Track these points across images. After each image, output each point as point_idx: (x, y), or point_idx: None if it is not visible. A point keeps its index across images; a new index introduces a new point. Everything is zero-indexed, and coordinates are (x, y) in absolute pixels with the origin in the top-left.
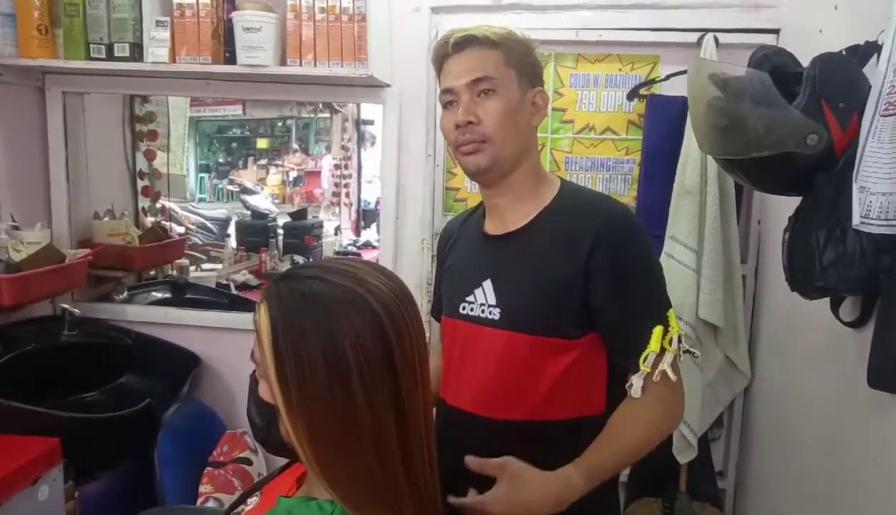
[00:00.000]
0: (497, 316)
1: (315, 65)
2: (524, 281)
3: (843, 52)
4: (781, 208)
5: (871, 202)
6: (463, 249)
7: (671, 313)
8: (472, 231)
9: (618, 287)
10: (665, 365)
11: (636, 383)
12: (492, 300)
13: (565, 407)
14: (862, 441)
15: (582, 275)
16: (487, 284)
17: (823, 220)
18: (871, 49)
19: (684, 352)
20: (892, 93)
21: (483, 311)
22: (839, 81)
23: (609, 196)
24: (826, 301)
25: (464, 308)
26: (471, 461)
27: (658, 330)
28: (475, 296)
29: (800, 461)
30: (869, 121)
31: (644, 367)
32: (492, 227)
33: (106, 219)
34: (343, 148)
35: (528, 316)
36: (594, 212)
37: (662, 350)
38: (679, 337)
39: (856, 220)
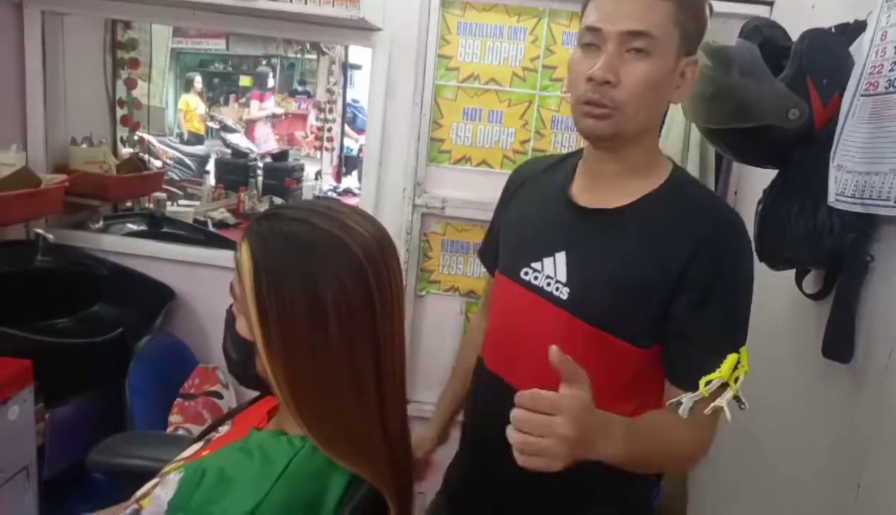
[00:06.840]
0: (565, 296)
1: (306, 3)
2: (604, 270)
3: (833, 29)
4: (759, 180)
5: (846, 180)
6: (538, 205)
7: (744, 350)
8: (554, 188)
9: (705, 300)
10: (723, 401)
11: (686, 403)
12: (562, 276)
13: (624, 409)
14: (811, 406)
15: (671, 282)
16: (561, 257)
17: (797, 194)
18: (858, 28)
19: (733, 397)
20: (873, 73)
21: (549, 285)
22: (825, 58)
23: (721, 197)
24: (791, 273)
25: (526, 273)
26: (554, 351)
27: (732, 357)
28: (543, 265)
29: (752, 424)
30: (849, 101)
31: (703, 390)
32: (583, 196)
33: (84, 146)
34: (328, 91)
35: (597, 308)
36: (706, 214)
37: (725, 384)
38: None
39: (831, 197)
